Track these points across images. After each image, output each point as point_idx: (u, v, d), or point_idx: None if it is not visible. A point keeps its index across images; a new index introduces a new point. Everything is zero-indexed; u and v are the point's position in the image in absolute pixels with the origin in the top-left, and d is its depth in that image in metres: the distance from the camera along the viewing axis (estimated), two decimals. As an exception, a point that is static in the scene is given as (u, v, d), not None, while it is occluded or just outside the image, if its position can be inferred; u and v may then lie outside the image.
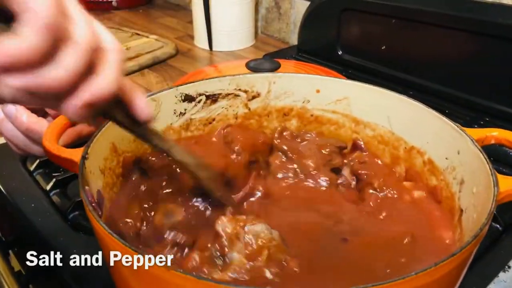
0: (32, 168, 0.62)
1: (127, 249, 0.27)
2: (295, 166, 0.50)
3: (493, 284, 0.45)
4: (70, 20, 0.28)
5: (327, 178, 0.49)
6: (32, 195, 0.57)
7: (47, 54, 0.27)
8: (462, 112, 0.73)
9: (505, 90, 0.70)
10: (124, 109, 0.35)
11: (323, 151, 0.51)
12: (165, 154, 0.41)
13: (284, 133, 0.52)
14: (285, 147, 0.51)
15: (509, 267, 0.47)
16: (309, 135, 0.54)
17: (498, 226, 0.52)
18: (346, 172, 0.50)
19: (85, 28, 0.29)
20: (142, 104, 0.35)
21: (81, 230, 0.51)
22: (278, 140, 0.52)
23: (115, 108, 0.35)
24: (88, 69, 0.30)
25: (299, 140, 0.52)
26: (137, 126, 0.37)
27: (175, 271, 0.25)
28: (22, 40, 0.26)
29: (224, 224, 0.35)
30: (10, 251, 0.57)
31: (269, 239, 0.35)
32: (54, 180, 0.58)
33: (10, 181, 0.59)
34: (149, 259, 0.26)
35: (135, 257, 0.27)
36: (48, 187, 0.58)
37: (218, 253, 0.34)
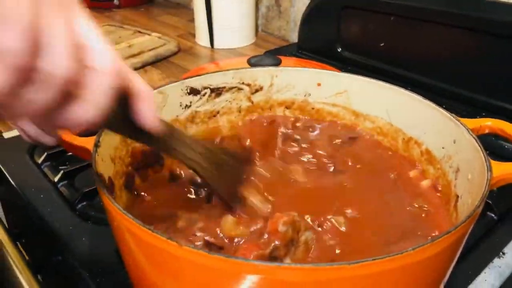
0: (40, 161, 0.63)
1: (139, 227, 0.29)
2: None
3: (488, 269, 0.46)
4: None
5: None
6: (41, 187, 0.58)
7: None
8: (460, 107, 0.75)
9: (502, 86, 0.72)
10: (125, 112, 0.33)
11: (334, 142, 0.53)
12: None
13: (297, 124, 0.55)
14: (298, 137, 0.53)
15: (503, 253, 0.48)
16: (320, 125, 0.56)
17: (493, 215, 0.53)
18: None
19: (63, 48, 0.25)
20: (145, 110, 0.33)
21: (89, 220, 0.53)
22: (291, 130, 0.54)
23: (113, 115, 0.31)
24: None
25: (311, 130, 0.54)
26: (138, 132, 0.34)
27: (188, 247, 0.27)
28: None
29: (284, 225, 0.36)
30: (18, 243, 0.58)
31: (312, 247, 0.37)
32: (61, 172, 0.60)
33: (19, 174, 0.60)
34: (161, 236, 0.28)
35: (147, 234, 0.29)
36: (56, 179, 0.59)
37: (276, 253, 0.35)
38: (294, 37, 1.11)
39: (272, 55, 0.79)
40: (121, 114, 0.32)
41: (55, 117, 0.27)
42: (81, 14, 0.28)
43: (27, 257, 0.55)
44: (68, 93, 0.26)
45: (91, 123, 0.28)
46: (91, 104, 0.28)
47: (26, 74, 0.24)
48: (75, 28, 0.27)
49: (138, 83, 0.33)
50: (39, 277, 0.53)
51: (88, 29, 0.28)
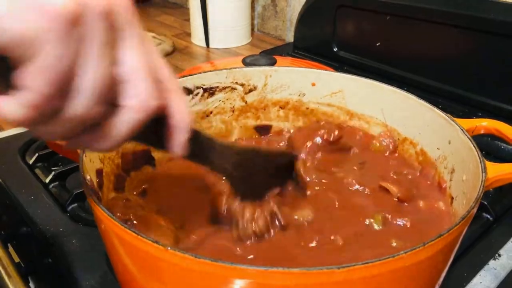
0: (31, 161, 0.62)
1: (126, 230, 0.28)
2: None
3: (484, 271, 0.46)
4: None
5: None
6: (32, 188, 0.57)
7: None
8: (456, 107, 0.75)
9: (499, 85, 0.72)
10: (155, 128, 0.29)
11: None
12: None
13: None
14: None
15: (499, 255, 0.48)
16: None
17: (489, 217, 0.53)
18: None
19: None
20: (178, 140, 0.29)
21: (80, 221, 0.52)
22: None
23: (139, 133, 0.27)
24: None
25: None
26: (162, 147, 0.31)
27: (174, 251, 0.26)
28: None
29: None
30: (9, 244, 0.57)
31: None
32: (53, 173, 0.59)
33: (9, 174, 0.59)
34: (147, 240, 0.27)
35: (133, 237, 0.28)
36: (47, 180, 0.58)
37: None
38: (290, 37, 1.10)
39: (267, 55, 0.78)
40: (150, 130, 0.29)
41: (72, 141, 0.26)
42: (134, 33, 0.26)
43: (17, 259, 0.54)
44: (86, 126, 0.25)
45: (107, 151, 0.27)
46: (109, 139, 0.25)
47: (46, 112, 0.22)
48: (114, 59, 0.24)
49: (178, 107, 0.29)
50: (29, 279, 0.52)
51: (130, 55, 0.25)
